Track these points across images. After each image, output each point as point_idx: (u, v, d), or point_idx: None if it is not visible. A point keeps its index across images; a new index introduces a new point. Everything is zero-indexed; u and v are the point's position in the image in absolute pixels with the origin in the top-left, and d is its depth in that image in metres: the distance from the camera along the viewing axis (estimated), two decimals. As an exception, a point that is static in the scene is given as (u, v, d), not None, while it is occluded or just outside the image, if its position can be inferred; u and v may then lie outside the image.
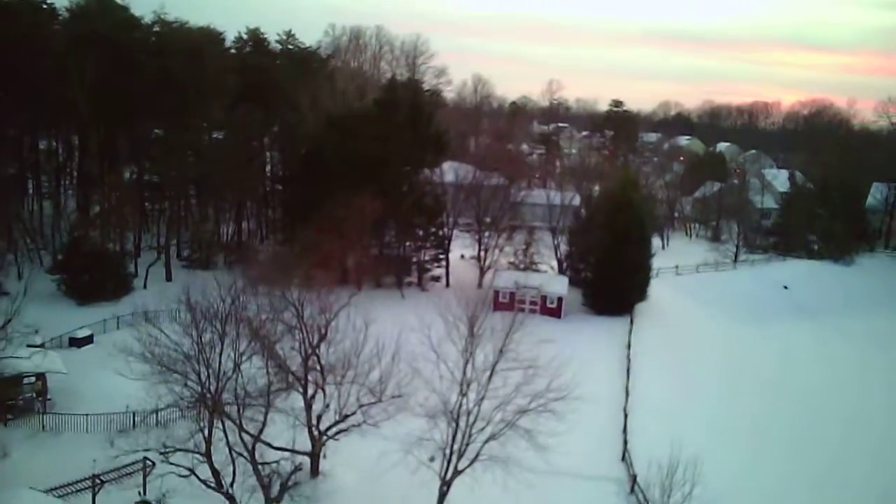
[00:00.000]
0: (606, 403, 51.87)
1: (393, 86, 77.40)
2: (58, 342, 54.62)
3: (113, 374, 40.14)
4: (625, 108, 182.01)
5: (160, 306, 62.31)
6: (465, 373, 35.32)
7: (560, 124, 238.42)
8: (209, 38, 78.55)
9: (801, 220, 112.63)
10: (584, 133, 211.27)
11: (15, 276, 68.73)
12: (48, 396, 46.22)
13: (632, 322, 70.06)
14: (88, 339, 55.32)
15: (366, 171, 71.30)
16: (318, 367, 40.16)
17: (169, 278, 73.82)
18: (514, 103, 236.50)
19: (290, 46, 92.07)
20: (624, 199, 72.83)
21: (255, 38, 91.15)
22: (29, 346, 50.61)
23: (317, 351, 39.91)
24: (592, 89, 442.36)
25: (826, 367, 67.69)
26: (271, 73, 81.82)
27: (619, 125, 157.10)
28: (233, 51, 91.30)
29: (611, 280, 71.51)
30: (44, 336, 52.98)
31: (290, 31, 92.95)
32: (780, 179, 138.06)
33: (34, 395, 45.79)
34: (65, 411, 44.84)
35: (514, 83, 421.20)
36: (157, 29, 78.30)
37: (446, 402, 35.56)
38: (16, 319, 43.19)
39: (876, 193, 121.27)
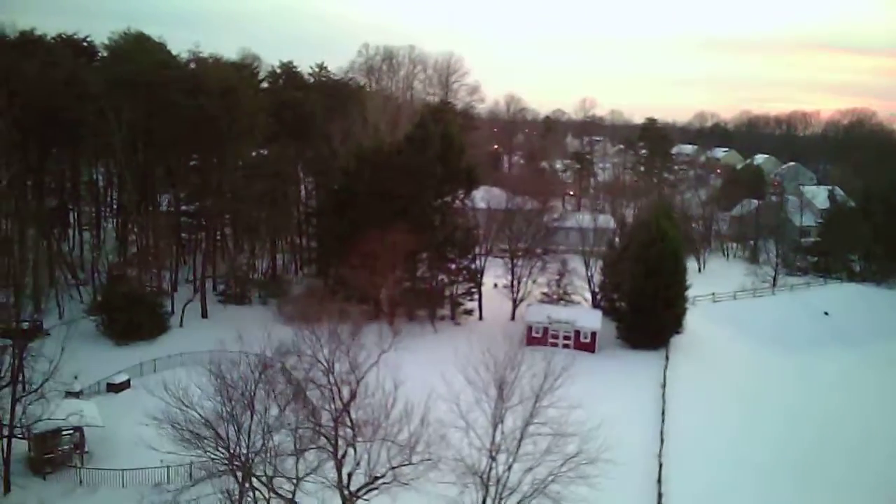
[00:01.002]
0: (641, 450, 51.02)
1: (423, 121, 77.51)
2: (95, 387, 55.39)
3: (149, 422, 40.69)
4: (659, 123, 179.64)
5: (196, 346, 63.68)
6: (493, 439, 35.12)
7: (594, 138, 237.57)
8: (242, 73, 79.23)
9: (842, 239, 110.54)
10: (619, 147, 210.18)
11: (56, 314, 70.48)
12: (86, 449, 46.91)
13: (667, 358, 69.11)
14: (125, 384, 56.15)
15: (397, 206, 71.70)
16: (350, 425, 40.24)
17: (205, 315, 74.80)
18: (547, 118, 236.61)
19: (323, 78, 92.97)
20: (658, 232, 71.96)
21: (288, 72, 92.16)
22: (68, 393, 51.77)
23: (348, 408, 39.96)
24: (626, 97, 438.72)
25: (872, 400, 66.02)
26: (304, 106, 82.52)
27: (653, 141, 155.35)
28: (266, 84, 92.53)
29: (645, 314, 70.74)
30: (82, 382, 53.87)
31: (322, 63, 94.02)
32: (819, 197, 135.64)
33: (72, 447, 46.50)
34: (102, 463, 45.54)
35: (547, 94, 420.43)
36: (192, 66, 79.40)
37: (476, 466, 35.44)
38: (55, 371, 44.36)
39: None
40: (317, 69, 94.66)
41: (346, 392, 40.33)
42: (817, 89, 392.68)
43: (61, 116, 67.88)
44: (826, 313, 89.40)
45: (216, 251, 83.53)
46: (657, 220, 74.10)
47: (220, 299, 78.69)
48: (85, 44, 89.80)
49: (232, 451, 34.46)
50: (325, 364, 40.14)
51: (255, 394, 36.02)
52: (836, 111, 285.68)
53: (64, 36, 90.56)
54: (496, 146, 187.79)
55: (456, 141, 76.70)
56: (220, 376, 36.79)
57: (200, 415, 34.95)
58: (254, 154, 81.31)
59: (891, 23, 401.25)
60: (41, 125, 68.09)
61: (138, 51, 77.74)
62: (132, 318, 65.20)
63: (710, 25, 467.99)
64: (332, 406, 39.63)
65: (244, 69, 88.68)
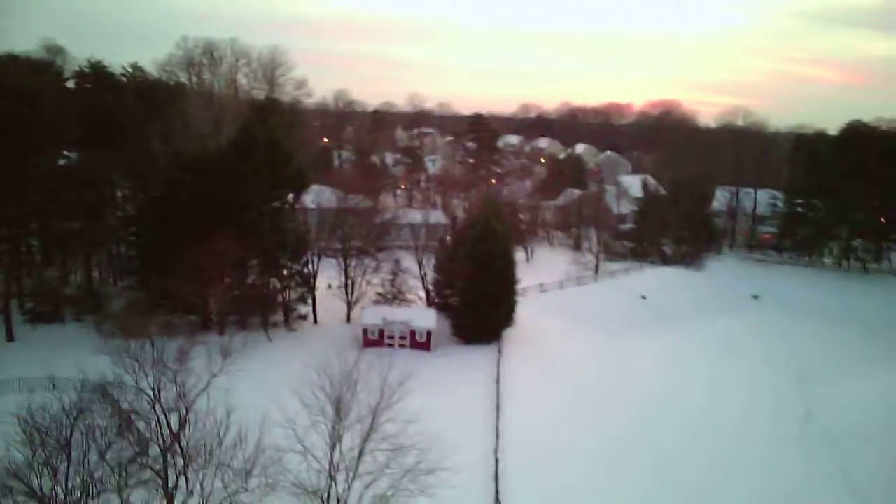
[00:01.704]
0: (481, 450, 51.99)
1: (248, 125, 74.94)
2: None
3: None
4: (485, 115, 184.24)
5: (2, 374, 58.41)
6: (332, 459, 34.64)
7: (424, 130, 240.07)
8: (45, 75, 73.01)
9: (655, 226, 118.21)
10: (448, 138, 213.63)
11: None
12: None
13: (500, 352, 71.09)
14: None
15: (224, 213, 69.07)
16: (181, 454, 38.30)
17: (10, 338, 68.61)
18: (376, 111, 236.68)
19: (138, 79, 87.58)
20: (487, 229, 73.69)
21: (98, 72, 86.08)
22: None
23: (178, 437, 38.02)
24: (453, 90, 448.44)
25: (693, 376, 71.12)
26: (117, 110, 77.35)
27: (481, 135, 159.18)
28: (72, 84, 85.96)
29: (477, 310, 72.37)
30: None
31: (136, 63, 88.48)
32: (635, 186, 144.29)
33: None
34: None
35: (374, 84, 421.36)
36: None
37: (315, 487, 34.83)
38: None
39: (720, 197, 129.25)
40: (130, 69, 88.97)
41: (174, 420, 38.48)
42: (630, 81, 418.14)
43: None
44: (643, 297, 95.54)
45: (21, 265, 76.66)
46: (486, 219, 75.77)
47: (29, 318, 72.38)
48: None
49: (47, 502, 31.83)
50: (151, 393, 38.06)
51: (71, 435, 33.46)
52: (648, 103, 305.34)
53: None
54: (326, 140, 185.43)
55: (282, 145, 74.81)
56: (28, 421, 33.78)
57: (6, 466, 31.94)
58: (62, 161, 75.23)
59: (697, 21, 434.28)
60: None
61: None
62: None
63: (527, 19, 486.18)
64: (161, 436, 37.66)
65: (47, 68, 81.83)
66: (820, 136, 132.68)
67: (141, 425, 38.93)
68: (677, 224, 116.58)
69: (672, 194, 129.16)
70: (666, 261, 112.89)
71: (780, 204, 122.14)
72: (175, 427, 37.73)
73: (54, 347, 66.74)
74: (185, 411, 38.18)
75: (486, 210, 78.95)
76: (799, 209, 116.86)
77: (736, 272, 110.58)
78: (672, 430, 58.23)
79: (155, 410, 37.84)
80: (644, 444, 55.58)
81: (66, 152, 76.97)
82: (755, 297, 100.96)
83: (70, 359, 59.84)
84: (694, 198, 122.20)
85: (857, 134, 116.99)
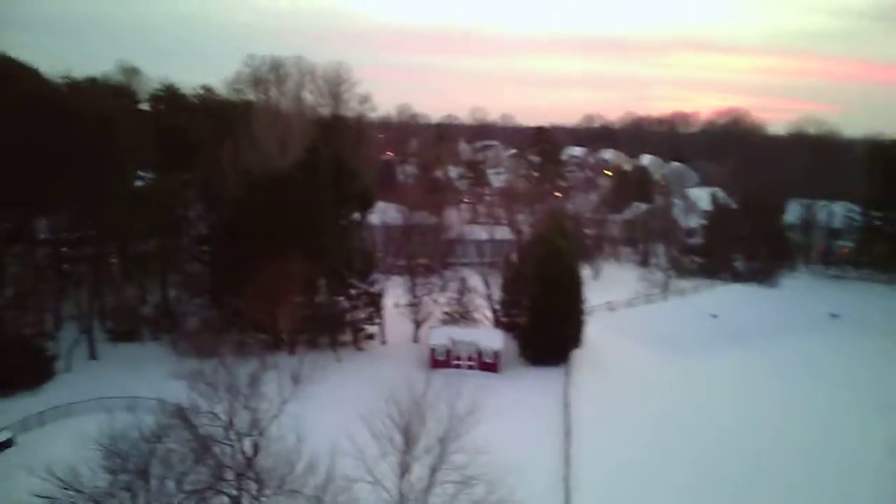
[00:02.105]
0: (552, 479, 51.21)
1: (314, 146, 76.03)
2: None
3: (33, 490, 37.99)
4: (548, 126, 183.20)
5: (86, 393, 60.27)
6: (400, 490, 34.59)
7: (487, 143, 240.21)
8: (121, 100, 75.38)
9: (725, 241, 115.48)
10: (512, 151, 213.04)
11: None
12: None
13: (569, 374, 70.19)
14: (8, 443, 52.44)
15: (291, 232, 70.06)
16: (254, 478, 38.78)
17: (93, 356, 70.89)
18: (439, 124, 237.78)
19: (209, 100, 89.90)
20: (553, 248, 73.01)
21: (171, 95, 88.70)
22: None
23: (252, 462, 38.51)
24: (515, 99, 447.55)
25: (767, 399, 68.94)
26: (189, 131, 79.48)
27: (544, 149, 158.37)
28: (147, 106, 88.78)
29: (544, 331, 71.69)
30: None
31: (207, 85, 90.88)
32: (704, 199, 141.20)
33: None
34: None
35: (436, 97, 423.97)
36: (66, 93, 75.08)
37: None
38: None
39: (793, 210, 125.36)
40: (201, 90, 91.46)
41: (248, 444, 39.01)
42: (695, 88, 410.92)
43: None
44: (714, 315, 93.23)
45: (102, 285, 79.20)
46: (552, 238, 75.11)
47: (110, 337, 74.74)
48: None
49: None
50: (225, 419, 38.67)
51: (150, 462, 34.21)
52: (714, 111, 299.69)
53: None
54: (390, 154, 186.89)
55: (348, 165, 75.67)
56: (109, 448, 34.66)
57: (87, 492, 32.79)
58: (139, 183, 77.60)
59: (756, 23, 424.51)
60: None
61: (6, 77, 73.00)
62: (12, 366, 60.97)
63: (590, 28, 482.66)
64: (235, 461, 38.20)
65: (123, 92, 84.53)
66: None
67: (215, 450, 39.52)
68: (749, 239, 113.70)
69: (742, 207, 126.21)
70: (737, 277, 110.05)
71: (856, 217, 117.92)
72: (249, 453, 38.27)
73: (133, 366, 68.81)
74: (258, 437, 38.71)
75: (552, 228, 78.18)
76: (877, 222, 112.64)
77: (812, 289, 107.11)
78: (747, 456, 56.40)
79: (229, 436, 38.46)
80: (718, 472, 54.03)
81: (141, 173, 79.19)
82: (833, 315, 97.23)
83: (148, 378, 62.15)
84: (765, 211, 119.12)
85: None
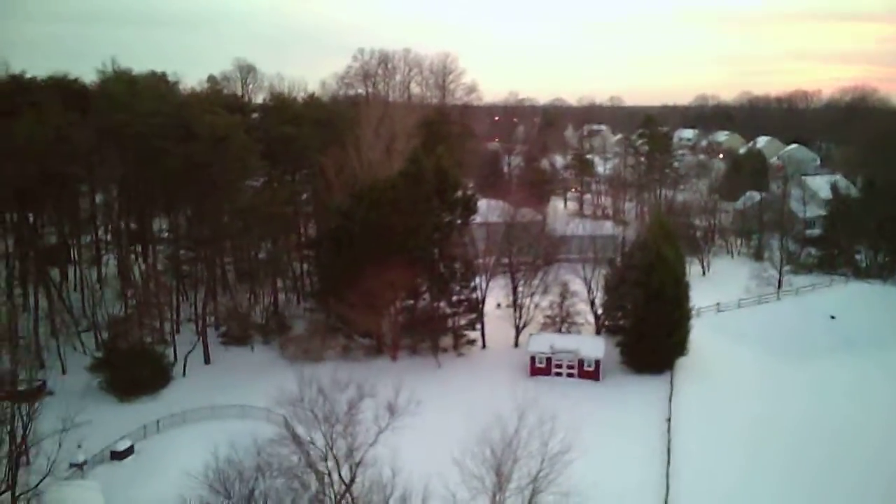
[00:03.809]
0: (650, 498, 50.67)
1: (416, 156, 76.97)
2: (99, 457, 55.33)
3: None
4: (659, 108, 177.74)
5: (200, 399, 63.86)
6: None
7: (594, 127, 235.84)
8: (233, 116, 78.40)
9: (847, 232, 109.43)
10: (619, 136, 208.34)
11: (58, 367, 70.23)
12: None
13: (672, 385, 68.77)
14: (129, 451, 56.17)
15: (394, 241, 71.46)
16: (351, 506, 40.18)
17: (207, 360, 74.76)
18: (546, 111, 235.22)
19: (315, 108, 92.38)
20: (657, 256, 71.40)
21: (280, 104, 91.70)
22: (72, 464, 52.01)
23: (349, 491, 39.90)
24: (625, 80, 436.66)
25: (888, 412, 65.16)
26: (297, 140, 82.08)
27: (652, 139, 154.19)
28: (256, 115, 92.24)
29: (648, 340, 70.37)
30: (85, 448, 53.80)
31: (313, 93, 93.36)
32: (824, 188, 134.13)
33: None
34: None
35: (546, 81, 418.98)
36: (182, 109, 78.68)
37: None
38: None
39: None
40: (308, 98, 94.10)
41: (345, 472, 40.42)
42: (817, 59, 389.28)
43: (52, 174, 67.90)
44: (833, 317, 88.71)
45: (216, 288, 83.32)
46: (657, 243, 73.42)
47: (222, 341, 78.59)
48: (75, 86, 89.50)
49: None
50: (323, 449, 40.17)
51: (253, 493, 36.11)
52: (838, 88, 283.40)
53: (54, 78, 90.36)
54: (497, 141, 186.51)
55: (450, 173, 76.37)
56: (216, 475, 36.83)
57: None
58: (249, 193, 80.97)
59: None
60: (33, 183, 68.06)
61: (127, 94, 77.34)
62: (135, 374, 65.24)
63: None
64: (333, 490, 39.70)
65: (236, 108, 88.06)
66: None
67: (312, 479, 41.13)
68: (873, 231, 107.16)
69: (866, 195, 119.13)
70: (859, 274, 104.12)
71: None
72: (347, 480, 39.69)
73: (244, 371, 72.21)
74: (355, 465, 40.06)
75: (657, 231, 76.33)
76: None
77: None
78: (865, 481, 53.68)
79: (327, 464, 39.99)
80: (826, 489, 51.81)
81: (251, 182, 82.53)
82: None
83: (258, 384, 65.00)
84: (891, 199, 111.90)
85: None
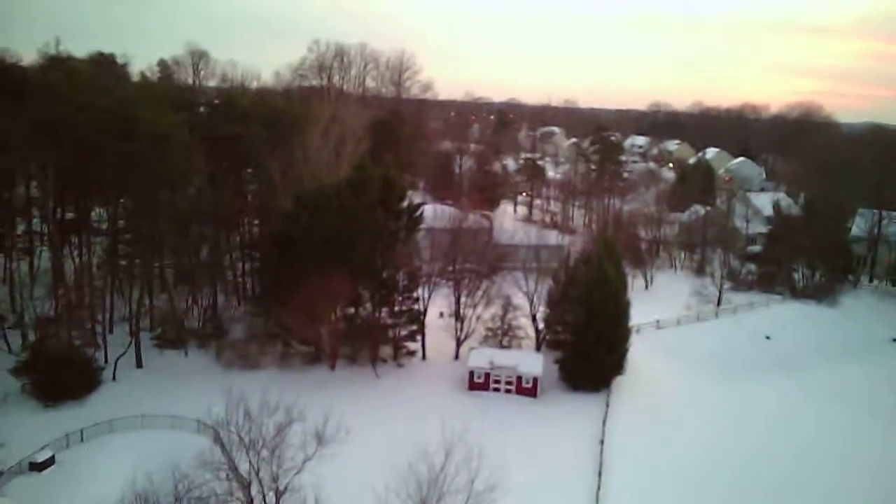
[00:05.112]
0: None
1: (363, 163, 76.03)
2: (17, 468, 53.12)
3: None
4: (607, 128, 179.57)
5: (129, 407, 62.03)
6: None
7: (549, 129, 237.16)
8: (178, 113, 76.08)
9: (786, 252, 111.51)
10: (572, 140, 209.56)
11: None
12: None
13: (608, 403, 69.24)
14: (49, 462, 54.10)
15: (337, 248, 70.45)
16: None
17: (139, 364, 72.67)
18: (500, 112, 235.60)
19: (263, 108, 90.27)
20: (601, 274, 71.74)
21: (228, 101, 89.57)
22: (-13, 475, 50.07)
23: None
24: (581, 81, 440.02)
25: (808, 435, 66.88)
26: (243, 140, 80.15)
27: (604, 150, 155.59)
28: (203, 109, 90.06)
29: (586, 358, 70.78)
30: (4, 457, 51.83)
31: (264, 87, 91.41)
32: (767, 205, 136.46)
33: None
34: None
35: (502, 80, 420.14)
36: (122, 103, 76.03)
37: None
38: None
39: (860, 222, 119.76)
40: (258, 92, 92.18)
41: (270, 499, 39.73)
42: (772, 71, 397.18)
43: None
44: (767, 337, 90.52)
45: (153, 290, 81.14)
46: (600, 259, 73.80)
47: (156, 344, 76.36)
48: (13, 71, 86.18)
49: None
50: (247, 475, 39.39)
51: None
52: (785, 104, 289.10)
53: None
54: (449, 140, 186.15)
55: (397, 184, 75.64)
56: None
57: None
58: (191, 192, 78.96)
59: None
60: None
61: (65, 83, 74.45)
62: (60, 377, 62.88)
63: (660, 5, 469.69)
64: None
65: (183, 102, 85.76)
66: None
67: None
68: (810, 251, 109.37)
69: (806, 215, 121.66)
70: (796, 294, 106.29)
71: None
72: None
73: (177, 377, 70.18)
74: (280, 493, 39.37)
75: (601, 250, 76.67)
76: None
77: (875, 310, 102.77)
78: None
79: (250, 491, 39.21)
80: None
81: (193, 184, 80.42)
82: (895, 341, 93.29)
83: (190, 392, 63.52)
84: (830, 220, 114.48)
85: None
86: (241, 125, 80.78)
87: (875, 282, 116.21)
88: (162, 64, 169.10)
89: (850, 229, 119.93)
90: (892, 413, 72.54)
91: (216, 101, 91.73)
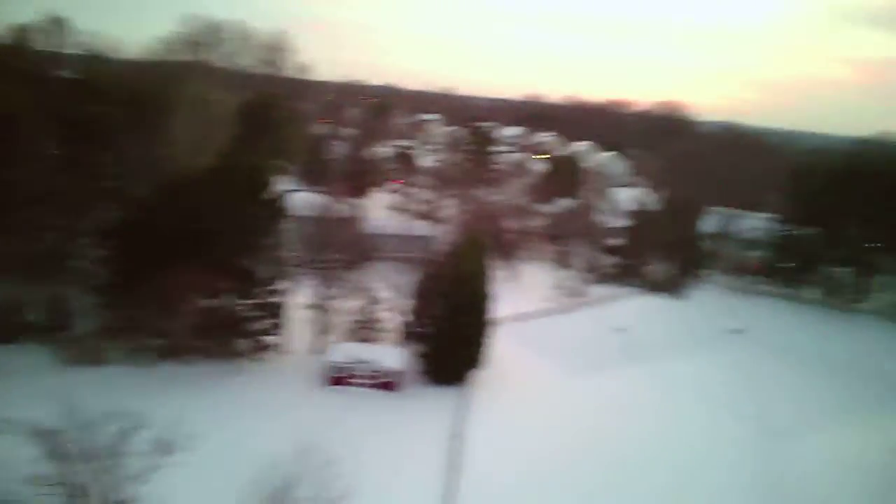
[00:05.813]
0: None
1: (228, 151, 74.01)
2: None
3: None
4: (481, 119, 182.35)
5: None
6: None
7: (428, 116, 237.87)
8: (29, 84, 71.29)
9: (644, 246, 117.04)
10: (450, 128, 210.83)
11: None
12: None
13: (467, 399, 70.54)
14: None
15: (197, 238, 68.20)
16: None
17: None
18: (377, 100, 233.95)
19: (124, 87, 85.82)
20: (464, 271, 72.79)
21: (85, 78, 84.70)
22: None
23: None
24: (463, 70, 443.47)
25: (638, 426, 69.91)
26: (102, 122, 75.98)
27: (478, 144, 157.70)
28: (56, 87, 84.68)
29: (446, 352, 71.89)
30: None
31: (126, 62, 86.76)
32: (630, 200, 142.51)
33: None
34: None
35: (380, 59, 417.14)
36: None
37: None
38: None
39: (713, 219, 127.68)
40: (120, 69, 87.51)
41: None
42: (645, 73, 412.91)
43: None
44: (622, 329, 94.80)
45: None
46: (465, 256, 74.82)
47: (-12, 336, 71.16)
48: None
49: None
50: (81, 488, 37.77)
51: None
52: (652, 102, 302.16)
53: None
54: (323, 123, 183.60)
55: (263, 173, 73.94)
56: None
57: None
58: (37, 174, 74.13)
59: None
60: None
61: None
62: None
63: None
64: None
65: (32, 81, 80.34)
66: (818, 164, 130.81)
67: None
68: (667, 245, 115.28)
69: (665, 211, 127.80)
70: (652, 287, 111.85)
71: (773, 229, 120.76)
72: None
73: (10, 374, 65.05)
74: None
75: (467, 246, 77.70)
76: (792, 234, 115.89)
77: (719, 303, 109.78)
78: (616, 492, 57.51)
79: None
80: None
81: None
82: (735, 331, 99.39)
83: (24, 391, 58.99)
84: (684, 216, 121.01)
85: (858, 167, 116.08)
86: (98, 105, 76.61)
87: (721, 277, 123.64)
88: (18, 30, 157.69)
89: (701, 225, 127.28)
90: (720, 400, 77.35)
91: (72, 78, 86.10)
